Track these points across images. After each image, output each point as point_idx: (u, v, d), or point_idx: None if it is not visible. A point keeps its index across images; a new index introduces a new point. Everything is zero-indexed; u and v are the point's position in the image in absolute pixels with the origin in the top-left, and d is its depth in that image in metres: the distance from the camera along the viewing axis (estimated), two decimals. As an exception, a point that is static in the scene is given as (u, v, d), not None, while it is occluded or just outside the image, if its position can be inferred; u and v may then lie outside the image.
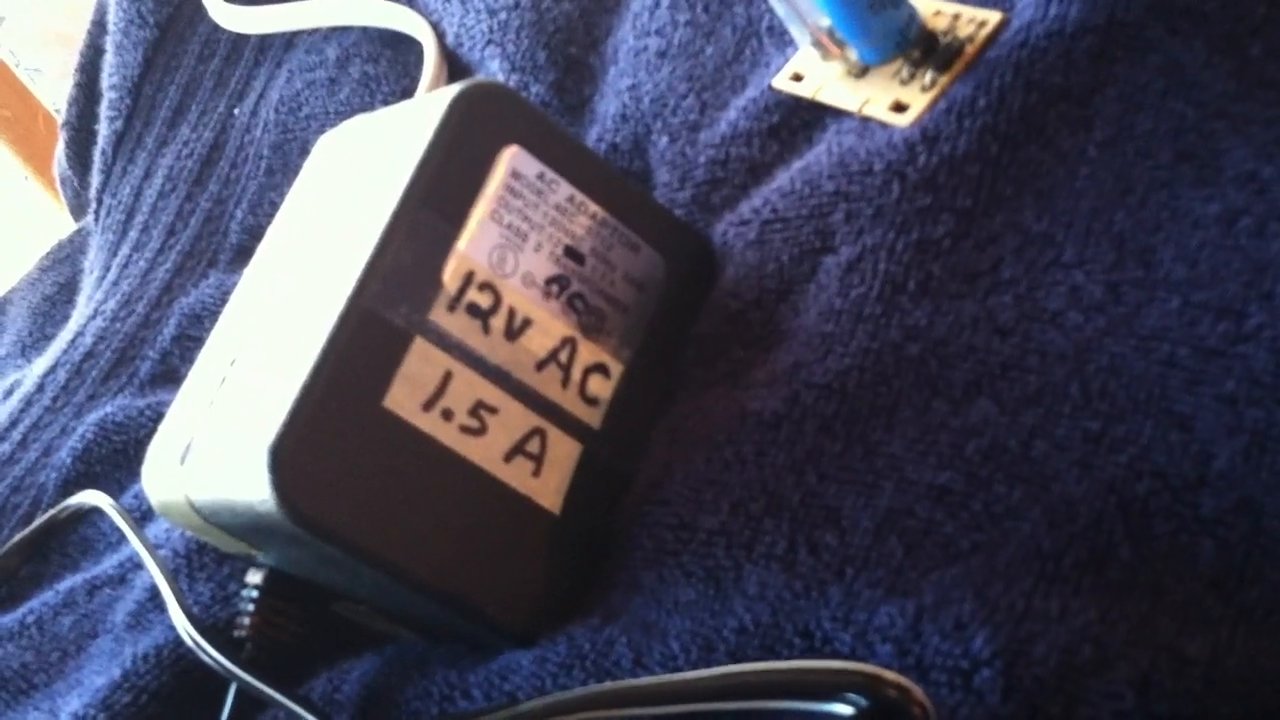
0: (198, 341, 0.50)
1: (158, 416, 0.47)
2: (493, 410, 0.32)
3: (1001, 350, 0.29)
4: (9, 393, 0.55)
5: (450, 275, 0.32)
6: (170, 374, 0.50)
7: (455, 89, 0.33)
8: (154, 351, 0.51)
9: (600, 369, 0.34)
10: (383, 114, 0.37)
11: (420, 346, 0.31)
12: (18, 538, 0.45)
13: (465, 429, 0.32)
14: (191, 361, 0.50)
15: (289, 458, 0.30)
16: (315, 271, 0.33)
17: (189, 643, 0.35)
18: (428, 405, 0.31)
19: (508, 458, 0.32)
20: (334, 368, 0.31)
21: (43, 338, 0.59)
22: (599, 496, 0.34)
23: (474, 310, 0.32)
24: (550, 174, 0.34)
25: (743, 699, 0.27)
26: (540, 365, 0.33)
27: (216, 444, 0.32)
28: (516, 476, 0.32)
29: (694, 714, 0.28)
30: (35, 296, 0.62)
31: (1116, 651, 0.25)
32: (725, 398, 0.33)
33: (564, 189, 0.34)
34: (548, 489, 0.33)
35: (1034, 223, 0.31)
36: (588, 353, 0.34)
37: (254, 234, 0.53)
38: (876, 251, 0.32)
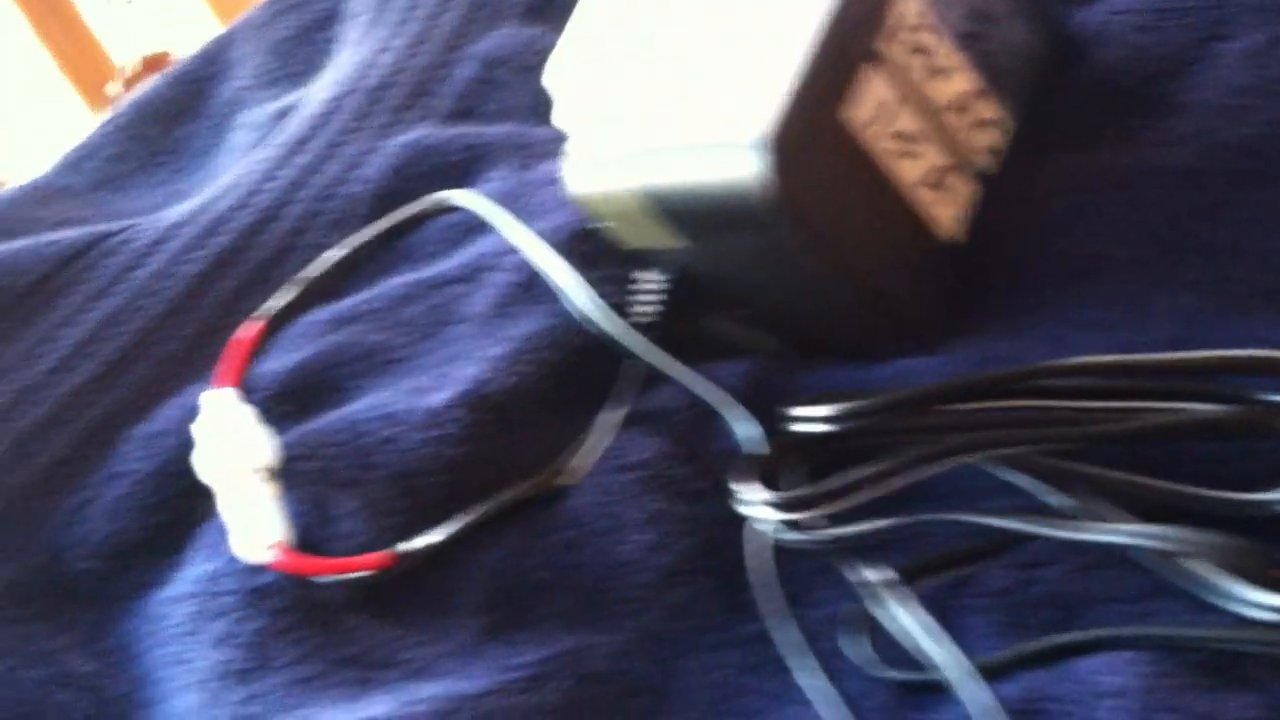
0: (494, 85, 0.53)
1: (466, 147, 0.50)
2: (914, 140, 0.37)
3: None
4: (282, 113, 0.57)
5: (897, 15, 0.36)
6: (468, 112, 0.53)
7: None
8: (450, 90, 0.53)
9: (997, 124, 0.39)
10: None
11: (868, 71, 0.36)
12: (365, 232, 0.47)
13: (894, 152, 0.36)
14: (491, 102, 0.53)
15: (786, 145, 0.34)
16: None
17: (600, 320, 0.39)
18: (868, 124, 0.36)
19: (924, 183, 0.37)
20: (811, 74, 0.34)
21: (290, 73, 0.61)
22: (997, 231, 0.38)
23: (915, 48, 0.37)
24: (977, -58, 0.38)
25: (1207, 374, 0.31)
26: (954, 108, 0.38)
27: (694, 133, 0.36)
28: (931, 202, 0.37)
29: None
30: (271, 37, 0.64)
31: None
32: (1125, 155, 0.37)
33: (985, -43, 0.38)
34: (954, 218, 0.37)
35: None
36: (987, 107, 0.38)
37: None
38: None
